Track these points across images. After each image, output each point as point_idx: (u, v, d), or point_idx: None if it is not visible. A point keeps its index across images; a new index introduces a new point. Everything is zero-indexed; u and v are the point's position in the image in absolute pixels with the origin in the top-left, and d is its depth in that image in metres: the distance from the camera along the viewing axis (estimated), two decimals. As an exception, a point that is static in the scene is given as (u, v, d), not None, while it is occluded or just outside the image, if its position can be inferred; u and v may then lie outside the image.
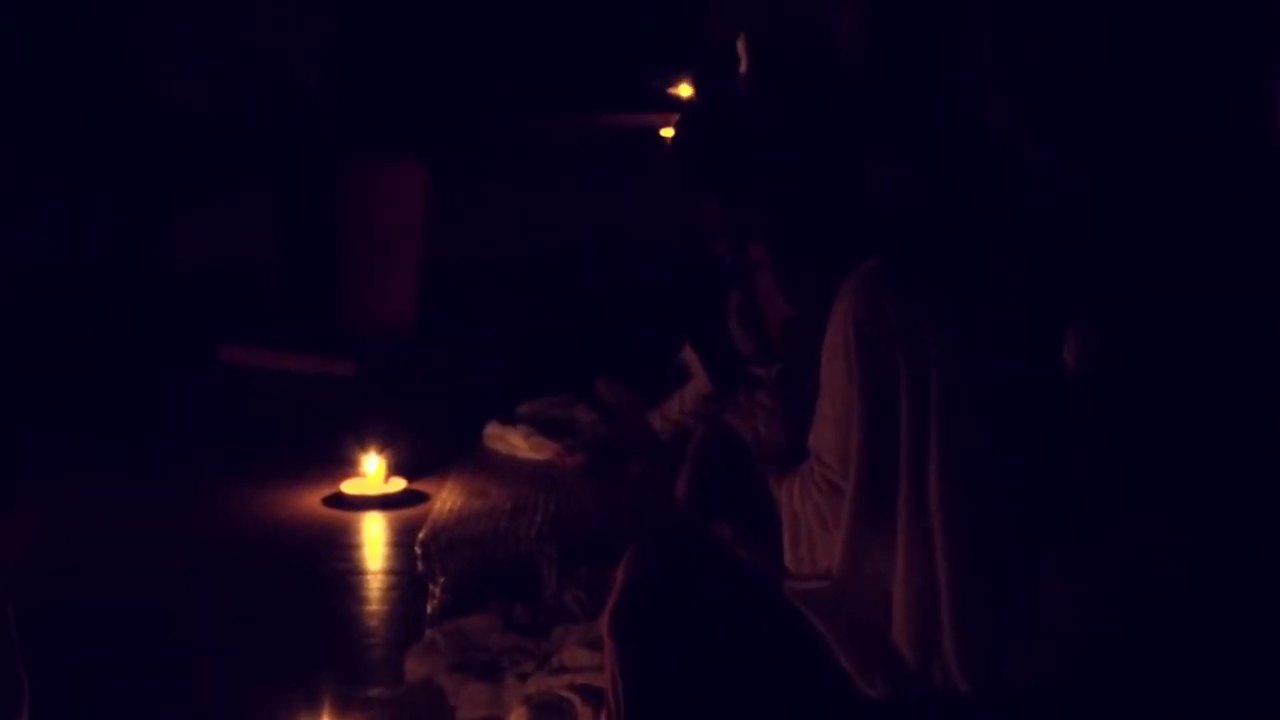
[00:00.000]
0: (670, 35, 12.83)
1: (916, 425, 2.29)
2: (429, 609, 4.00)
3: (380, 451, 4.92)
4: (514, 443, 5.29)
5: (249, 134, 7.41)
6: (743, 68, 6.11)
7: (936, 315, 2.29)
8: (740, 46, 5.97)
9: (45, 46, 7.03)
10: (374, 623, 4.00)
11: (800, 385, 2.43)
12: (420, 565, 4.31)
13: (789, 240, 2.75)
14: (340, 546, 4.50)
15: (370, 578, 4.31)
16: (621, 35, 14.41)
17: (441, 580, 4.18)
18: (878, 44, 3.93)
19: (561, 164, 11.21)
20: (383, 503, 4.81)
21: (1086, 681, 2.32)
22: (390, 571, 4.34)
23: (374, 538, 4.60)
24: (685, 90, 13.61)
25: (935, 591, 2.33)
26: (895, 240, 2.42)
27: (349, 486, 4.85)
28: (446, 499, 4.84)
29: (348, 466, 4.91)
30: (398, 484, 4.88)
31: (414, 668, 3.64)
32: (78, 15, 7.27)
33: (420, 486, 4.92)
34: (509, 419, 5.40)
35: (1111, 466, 2.27)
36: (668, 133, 11.69)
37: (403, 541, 4.51)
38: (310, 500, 4.83)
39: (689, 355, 5.20)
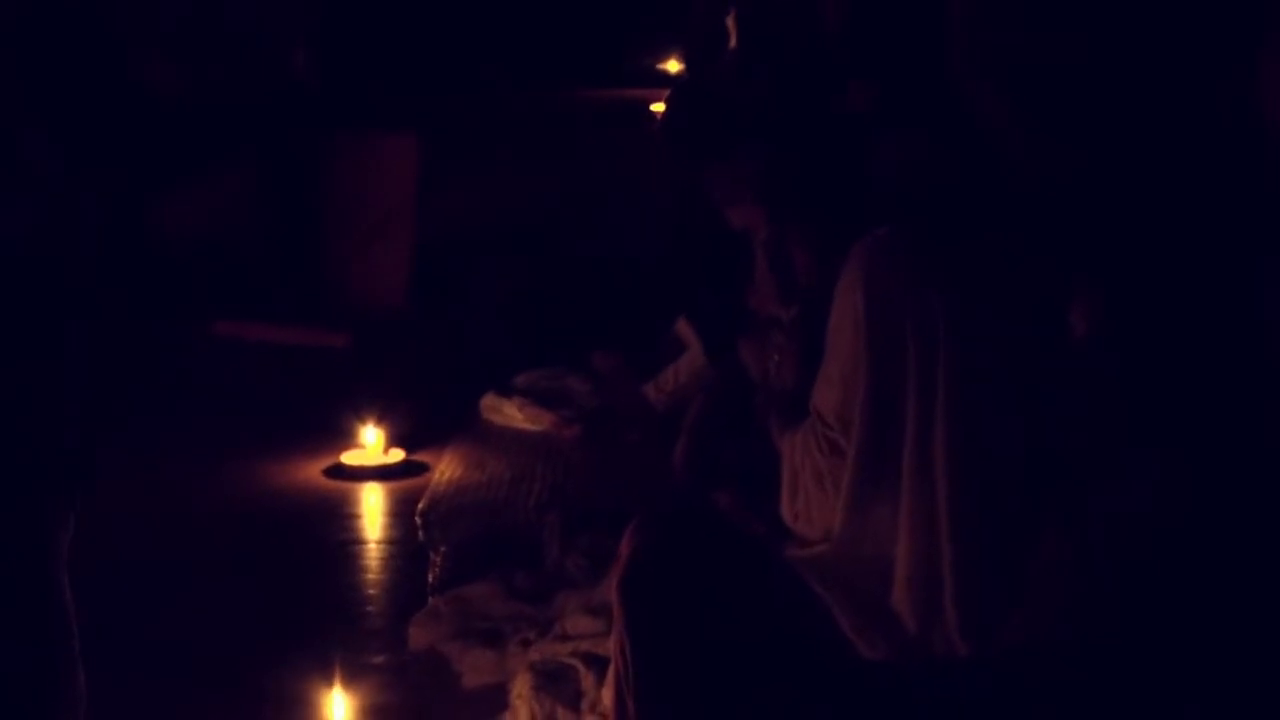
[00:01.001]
0: (660, 11, 12.82)
1: (924, 392, 2.30)
2: (430, 578, 4.05)
3: (378, 423, 4.96)
4: (510, 414, 5.33)
5: (237, 114, 7.40)
6: (732, 44, 6.11)
7: (946, 283, 2.30)
8: (729, 23, 5.98)
9: (27, 31, 6.99)
10: (376, 592, 4.05)
11: (817, 331, 2.43)
12: (421, 535, 4.35)
13: (794, 208, 2.79)
14: (342, 516, 4.55)
15: (372, 547, 4.35)
16: (611, 10, 14.40)
17: (442, 549, 4.22)
18: (861, 24, 3.95)
19: (553, 138, 11.21)
20: (382, 473, 4.85)
21: (1081, 646, 2.34)
22: (391, 541, 4.38)
23: (374, 508, 4.64)
24: (674, 66, 13.61)
25: (938, 560, 2.35)
26: (894, 212, 2.45)
27: (349, 457, 4.89)
28: (445, 469, 4.88)
29: (346, 438, 4.95)
30: (397, 455, 4.92)
31: (417, 636, 3.69)
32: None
33: (419, 457, 4.97)
34: (505, 390, 5.44)
35: (1114, 434, 2.30)
36: (658, 108, 11.70)
37: (403, 511, 4.55)
38: (311, 471, 4.87)
39: (683, 327, 5.23)
